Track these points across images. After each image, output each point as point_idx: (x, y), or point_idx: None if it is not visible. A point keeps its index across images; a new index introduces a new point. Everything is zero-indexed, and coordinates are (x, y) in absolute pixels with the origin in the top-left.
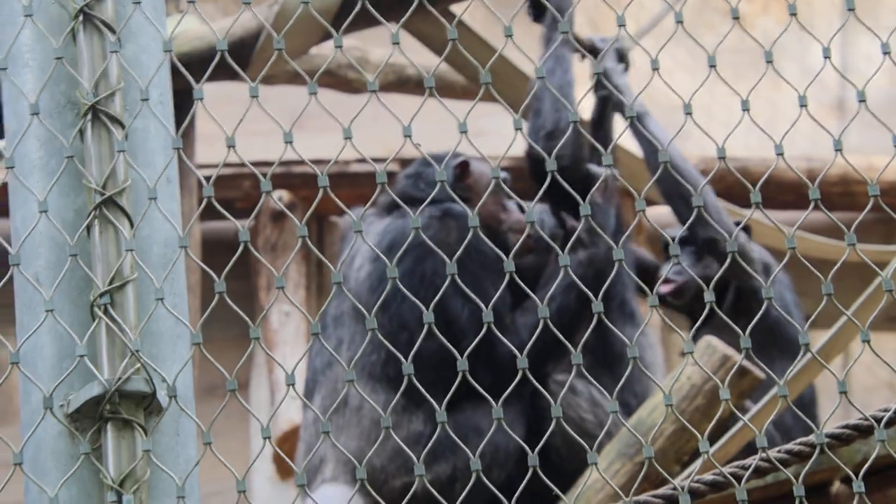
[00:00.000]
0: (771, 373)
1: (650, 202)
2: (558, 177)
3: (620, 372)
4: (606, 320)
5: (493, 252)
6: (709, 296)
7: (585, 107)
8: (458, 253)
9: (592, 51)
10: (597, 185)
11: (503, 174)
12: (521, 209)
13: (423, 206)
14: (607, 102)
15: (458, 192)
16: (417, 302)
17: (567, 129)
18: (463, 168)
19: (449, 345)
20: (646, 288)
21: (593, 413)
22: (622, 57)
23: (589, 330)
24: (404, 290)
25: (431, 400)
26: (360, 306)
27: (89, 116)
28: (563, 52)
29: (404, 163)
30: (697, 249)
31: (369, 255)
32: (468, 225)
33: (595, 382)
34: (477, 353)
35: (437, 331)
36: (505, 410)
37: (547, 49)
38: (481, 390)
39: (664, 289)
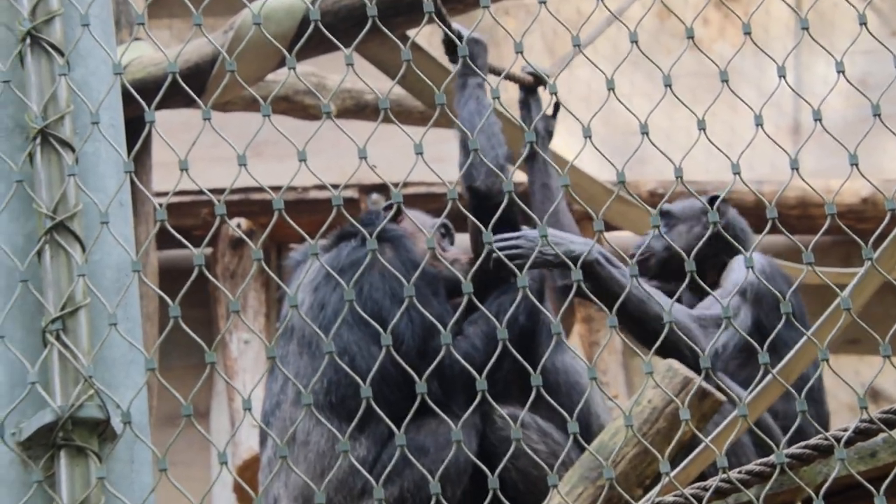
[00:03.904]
0: (733, 393)
1: (609, 225)
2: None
3: (555, 399)
4: (566, 343)
5: (432, 270)
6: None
7: None
8: (395, 270)
9: (513, 78)
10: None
11: (441, 220)
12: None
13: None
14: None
15: (391, 230)
16: (369, 319)
17: (506, 166)
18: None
19: (407, 367)
20: (605, 308)
21: (544, 443)
22: (541, 80)
23: (548, 353)
24: (359, 311)
25: (389, 422)
26: (315, 328)
27: (38, 140)
28: (480, 93)
29: (363, 189)
30: (666, 221)
31: (310, 287)
32: (401, 245)
33: (554, 402)
34: (423, 371)
35: (394, 353)
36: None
37: (463, 92)
38: (440, 412)
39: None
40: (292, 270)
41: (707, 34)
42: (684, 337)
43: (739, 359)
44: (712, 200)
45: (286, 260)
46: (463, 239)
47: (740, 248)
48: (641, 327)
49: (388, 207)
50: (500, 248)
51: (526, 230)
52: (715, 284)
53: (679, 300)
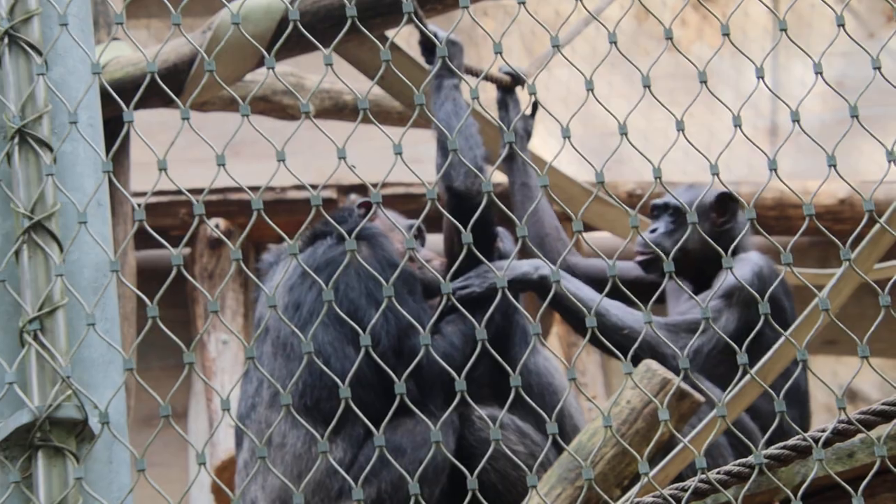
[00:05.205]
0: (711, 394)
1: (588, 226)
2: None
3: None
4: (544, 343)
5: (409, 269)
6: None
7: None
8: (372, 269)
9: (491, 79)
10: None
11: (416, 222)
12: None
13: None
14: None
15: (367, 229)
16: (347, 319)
17: (484, 167)
18: (367, 207)
19: (385, 367)
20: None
21: (523, 444)
22: (518, 80)
23: (527, 353)
24: (335, 311)
25: (367, 421)
26: (293, 328)
27: (16, 140)
28: (456, 94)
29: (342, 189)
30: (674, 216)
31: (284, 287)
32: (378, 244)
33: (533, 403)
34: (399, 371)
35: (372, 353)
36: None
37: (439, 93)
38: (418, 412)
39: (638, 258)
40: (265, 272)
41: (685, 35)
42: (652, 344)
43: (727, 362)
44: (721, 196)
45: (259, 262)
46: (434, 241)
47: (743, 245)
48: (603, 341)
49: (362, 205)
50: (457, 290)
51: (473, 272)
52: (710, 284)
53: (662, 301)
